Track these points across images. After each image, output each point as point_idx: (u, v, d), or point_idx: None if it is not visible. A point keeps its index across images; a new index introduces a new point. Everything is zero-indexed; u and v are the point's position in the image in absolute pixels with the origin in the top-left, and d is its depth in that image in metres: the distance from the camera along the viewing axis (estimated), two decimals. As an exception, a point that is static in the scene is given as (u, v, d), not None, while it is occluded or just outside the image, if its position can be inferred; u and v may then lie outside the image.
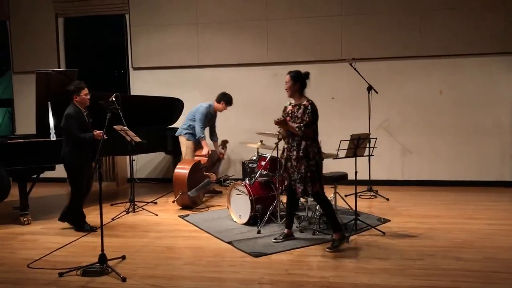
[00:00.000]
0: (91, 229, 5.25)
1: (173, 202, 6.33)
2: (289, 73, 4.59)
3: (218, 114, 6.93)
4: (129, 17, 8.30)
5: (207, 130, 6.87)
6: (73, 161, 5.17)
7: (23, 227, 5.53)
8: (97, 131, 5.10)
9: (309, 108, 4.46)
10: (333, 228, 4.63)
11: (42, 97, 5.95)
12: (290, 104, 4.67)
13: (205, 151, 6.62)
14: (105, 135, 4.57)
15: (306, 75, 4.60)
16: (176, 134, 6.94)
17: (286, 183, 4.67)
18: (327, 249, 4.48)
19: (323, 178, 4.63)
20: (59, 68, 8.37)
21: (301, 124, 4.42)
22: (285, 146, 4.68)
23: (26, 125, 8.16)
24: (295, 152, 4.50)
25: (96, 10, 8.38)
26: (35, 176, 5.84)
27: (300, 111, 4.50)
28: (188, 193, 6.11)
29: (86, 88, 5.21)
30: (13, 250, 4.73)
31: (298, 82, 4.55)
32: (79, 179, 5.23)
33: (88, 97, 5.20)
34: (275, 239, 4.74)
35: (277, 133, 4.82)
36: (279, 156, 4.91)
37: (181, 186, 6.17)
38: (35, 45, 8.51)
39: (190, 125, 6.81)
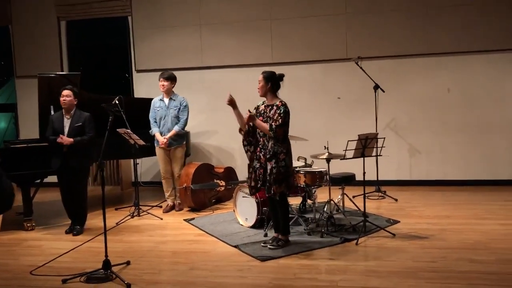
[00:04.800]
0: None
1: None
2: (263, 73, 4.57)
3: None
4: (132, 19, 8.23)
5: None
6: (51, 162, 5.32)
7: (27, 233, 5.46)
8: (64, 137, 5.11)
9: (281, 108, 4.43)
10: (283, 230, 4.61)
11: (45, 101, 5.89)
12: (263, 104, 4.62)
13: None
14: (64, 142, 4.98)
15: (280, 76, 4.56)
16: None
17: (253, 183, 4.60)
18: (270, 246, 4.50)
19: (291, 179, 4.58)
20: (62, 71, 8.31)
21: (273, 124, 4.38)
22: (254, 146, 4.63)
23: (29, 129, 8.09)
24: (265, 152, 4.47)
25: (98, 12, 8.31)
26: (38, 181, 5.78)
27: (272, 111, 4.47)
28: (191, 185, 6.06)
29: (65, 90, 5.22)
30: (16, 257, 4.65)
31: (270, 82, 4.51)
32: (58, 180, 5.36)
33: (63, 98, 5.19)
34: (263, 242, 4.65)
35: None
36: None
37: (186, 181, 6.15)
38: (38, 49, 8.45)
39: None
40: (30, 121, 8.13)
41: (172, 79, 6.20)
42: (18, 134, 8.72)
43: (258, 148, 4.56)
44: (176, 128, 6.14)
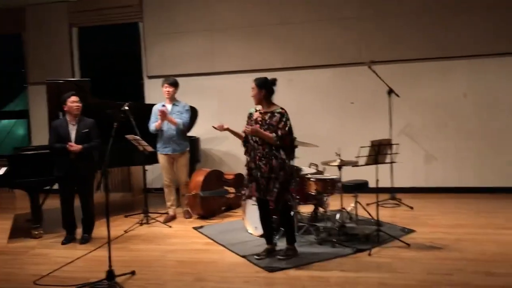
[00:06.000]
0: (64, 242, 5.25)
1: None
2: (254, 80, 4.45)
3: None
4: (143, 25, 8.21)
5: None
6: (55, 170, 5.23)
7: (35, 241, 5.39)
8: (73, 144, 5.05)
9: (285, 116, 4.32)
10: (290, 239, 4.52)
11: (54, 107, 5.84)
12: (256, 111, 4.49)
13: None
14: (75, 149, 4.93)
15: (273, 81, 4.44)
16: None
17: (253, 193, 4.46)
18: (279, 257, 4.39)
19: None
20: (73, 78, 8.32)
21: (280, 134, 4.26)
22: (249, 155, 4.48)
23: (42, 136, 8.10)
24: (267, 161, 4.30)
25: (110, 19, 8.31)
26: (48, 187, 5.74)
27: (275, 118, 4.32)
28: (200, 192, 5.97)
29: (73, 96, 5.16)
30: (21, 265, 4.59)
31: (263, 89, 4.39)
32: (60, 188, 5.28)
33: (76, 104, 5.13)
34: (257, 255, 4.48)
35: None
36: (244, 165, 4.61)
37: (196, 188, 6.08)
38: (50, 55, 8.48)
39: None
40: (42, 128, 8.14)
41: (176, 85, 6.17)
42: (31, 140, 8.74)
43: (257, 157, 4.38)
44: (179, 121, 5.98)
